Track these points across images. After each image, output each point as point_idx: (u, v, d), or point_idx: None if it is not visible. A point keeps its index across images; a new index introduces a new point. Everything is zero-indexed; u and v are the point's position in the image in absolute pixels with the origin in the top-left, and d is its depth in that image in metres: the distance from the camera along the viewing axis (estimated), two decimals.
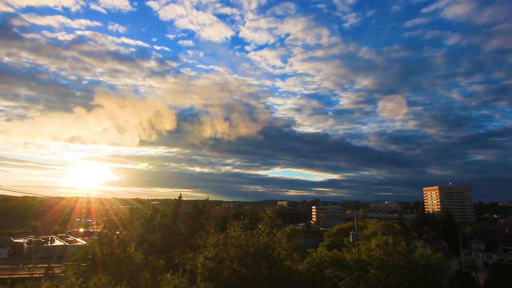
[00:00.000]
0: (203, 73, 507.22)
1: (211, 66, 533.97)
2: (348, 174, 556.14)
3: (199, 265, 18.00)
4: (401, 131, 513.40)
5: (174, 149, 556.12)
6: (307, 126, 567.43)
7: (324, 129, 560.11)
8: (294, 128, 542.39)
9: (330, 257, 23.58)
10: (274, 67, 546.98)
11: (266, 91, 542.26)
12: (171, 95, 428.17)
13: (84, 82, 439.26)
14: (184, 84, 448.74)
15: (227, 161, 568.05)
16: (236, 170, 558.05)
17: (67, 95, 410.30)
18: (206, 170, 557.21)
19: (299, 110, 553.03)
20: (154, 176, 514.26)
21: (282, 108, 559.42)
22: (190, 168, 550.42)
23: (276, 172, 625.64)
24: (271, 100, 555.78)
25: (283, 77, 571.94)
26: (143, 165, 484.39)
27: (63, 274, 21.66)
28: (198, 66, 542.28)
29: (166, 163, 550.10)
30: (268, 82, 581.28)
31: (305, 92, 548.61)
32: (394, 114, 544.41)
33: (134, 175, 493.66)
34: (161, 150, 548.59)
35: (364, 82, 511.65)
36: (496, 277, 41.82)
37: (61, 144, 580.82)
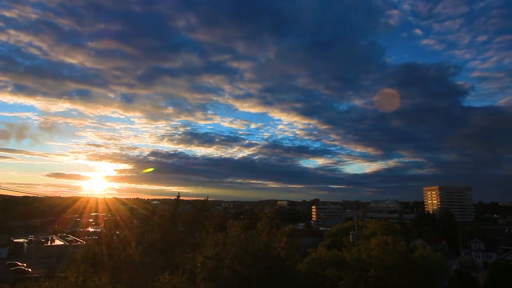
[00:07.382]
0: None
1: None
2: None
3: (199, 264, 17.98)
4: None
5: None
6: None
7: None
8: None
9: (330, 257, 23.59)
10: None
11: None
12: None
13: None
14: None
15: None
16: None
17: None
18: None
19: None
20: (154, 172, 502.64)
21: None
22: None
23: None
24: None
25: None
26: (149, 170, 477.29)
27: (63, 274, 21.66)
28: None
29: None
30: None
31: None
32: None
33: (136, 172, 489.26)
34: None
35: None
36: (496, 277, 41.74)
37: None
